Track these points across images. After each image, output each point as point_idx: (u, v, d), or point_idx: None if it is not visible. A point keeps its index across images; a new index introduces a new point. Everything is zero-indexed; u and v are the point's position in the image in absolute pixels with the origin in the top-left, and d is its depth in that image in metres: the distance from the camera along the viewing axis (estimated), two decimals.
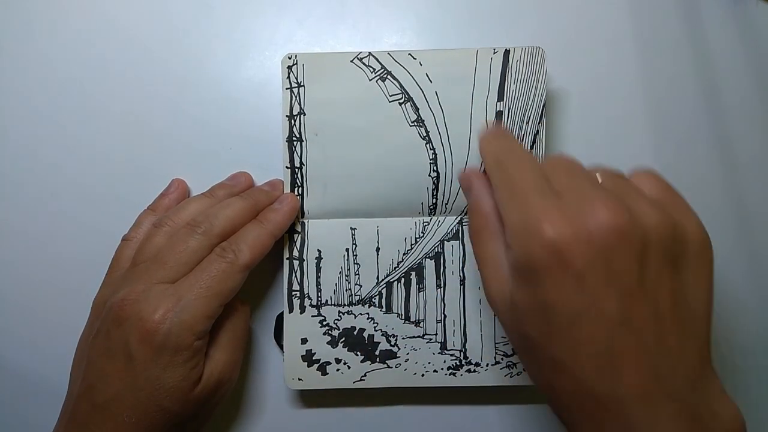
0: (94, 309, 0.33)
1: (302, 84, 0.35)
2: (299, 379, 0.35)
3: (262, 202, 0.34)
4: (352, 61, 0.35)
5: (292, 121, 0.35)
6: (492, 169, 0.28)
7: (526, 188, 0.25)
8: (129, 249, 0.34)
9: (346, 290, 0.35)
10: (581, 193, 0.24)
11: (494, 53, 0.34)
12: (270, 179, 0.37)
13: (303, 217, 0.36)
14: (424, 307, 0.35)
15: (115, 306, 0.30)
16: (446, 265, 0.36)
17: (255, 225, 0.33)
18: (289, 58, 0.35)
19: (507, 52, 0.34)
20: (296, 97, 0.35)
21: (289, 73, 0.35)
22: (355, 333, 0.35)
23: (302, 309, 0.35)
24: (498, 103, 0.35)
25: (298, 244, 0.36)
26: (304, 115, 0.35)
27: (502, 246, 0.28)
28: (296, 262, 0.35)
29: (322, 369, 0.35)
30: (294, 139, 0.35)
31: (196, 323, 0.29)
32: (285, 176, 0.36)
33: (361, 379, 0.35)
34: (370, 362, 0.35)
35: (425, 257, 0.36)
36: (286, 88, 0.35)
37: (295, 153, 0.35)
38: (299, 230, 0.36)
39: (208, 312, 0.30)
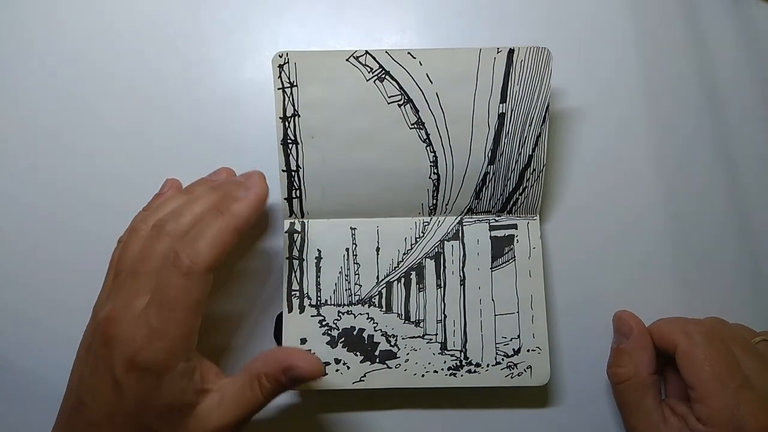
0: (92, 315, 0.32)
1: (295, 84, 0.34)
2: None
3: (233, 194, 0.30)
4: (347, 60, 0.34)
5: (286, 123, 0.34)
6: (698, 342, 0.31)
7: (728, 375, 0.30)
8: None
9: (346, 290, 0.35)
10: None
11: (498, 53, 0.34)
12: (259, 174, 0.32)
13: (303, 217, 0.36)
14: (424, 307, 0.35)
15: (102, 324, 0.29)
16: (446, 265, 0.35)
17: (215, 218, 0.29)
18: (280, 56, 0.34)
19: (511, 51, 0.34)
20: (289, 97, 0.34)
21: (280, 72, 0.34)
22: (354, 333, 0.35)
23: (302, 309, 0.35)
24: (501, 104, 0.34)
25: (298, 243, 0.35)
26: (299, 116, 0.34)
27: (657, 404, 0.32)
28: (296, 262, 0.35)
29: None
30: (289, 141, 0.34)
31: (174, 346, 0.28)
32: (281, 179, 0.35)
33: (360, 380, 0.34)
34: (369, 363, 0.34)
35: (425, 257, 0.36)
36: (278, 88, 0.34)
37: (290, 156, 0.35)
38: (299, 230, 0.36)
39: (182, 332, 0.28)
